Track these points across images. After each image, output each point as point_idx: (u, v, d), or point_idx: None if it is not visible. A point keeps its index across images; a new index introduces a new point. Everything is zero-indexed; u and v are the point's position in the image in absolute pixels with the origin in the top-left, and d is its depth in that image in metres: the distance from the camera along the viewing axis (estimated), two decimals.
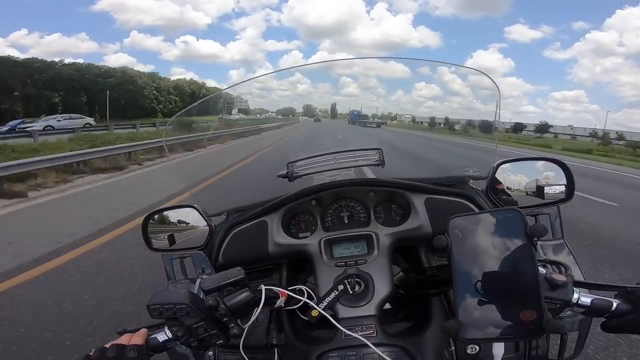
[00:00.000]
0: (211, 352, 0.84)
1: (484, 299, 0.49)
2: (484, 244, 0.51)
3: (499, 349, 0.69)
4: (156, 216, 1.01)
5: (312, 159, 0.98)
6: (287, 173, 0.97)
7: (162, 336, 0.63)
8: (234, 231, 0.94)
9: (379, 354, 0.69)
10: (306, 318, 0.76)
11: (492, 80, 1.07)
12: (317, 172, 0.98)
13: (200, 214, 0.97)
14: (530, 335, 0.49)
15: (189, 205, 0.98)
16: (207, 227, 0.98)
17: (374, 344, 0.69)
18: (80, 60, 50.91)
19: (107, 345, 0.59)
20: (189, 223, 1.03)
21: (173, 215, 1.03)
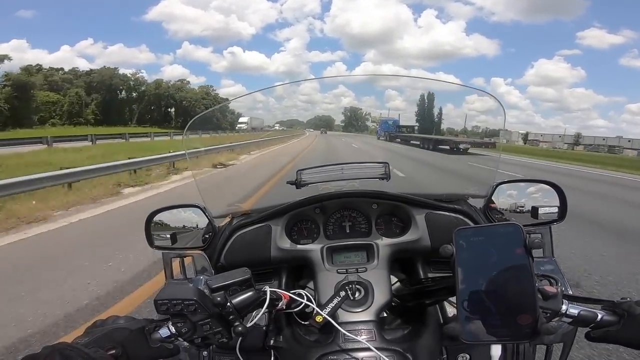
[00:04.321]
0: (205, 353, 0.84)
1: (484, 305, 0.53)
2: (486, 254, 0.55)
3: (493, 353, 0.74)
4: (160, 214, 1.02)
5: (320, 167, 1.02)
6: (295, 180, 1.00)
7: (164, 331, 0.63)
8: (238, 234, 0.96)
9: (381, 357, 0.70)
10: (306, 323, 0.77)
11: (497, 100, 1.12)
12: (324, 181, 1.02)
13: (206, 214, 0.99)
14: (527, 337, 0.52)
15: (195, 205, 1.00)
16: (211, 228, 0.99)
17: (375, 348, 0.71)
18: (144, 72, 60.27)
19: None
20: (192, 223, 1.04)
21: (177, 214, 1.05)
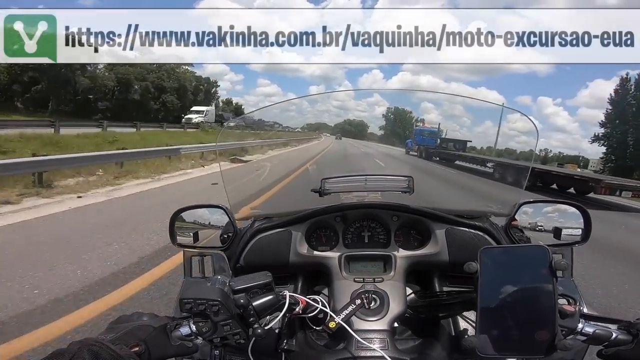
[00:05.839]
0: (217, 352, 0.86)
1: (503, 320, 0.56)
2: (511, 273, 0.57)
3: None
4: (185, 212, 1.06)
5: (344, 177, 1.04)
6: (320, 188, 1.03)
7: (185, 329, 0.65)
8: (259, 237, 0.98)
9: None
10: (318, 328, 0.78)
11: (531, 120, 1.11)
12: (347, 191, 1.04)
13: (229, 215, 1.02)
14: (543, 353, 0.55)
15: (219, 206, 1.03)
16: (229, 229, 1.02)
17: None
18: None
19: None
20: (214, 223, 1.08)
21: (201, 214, 1.08)
